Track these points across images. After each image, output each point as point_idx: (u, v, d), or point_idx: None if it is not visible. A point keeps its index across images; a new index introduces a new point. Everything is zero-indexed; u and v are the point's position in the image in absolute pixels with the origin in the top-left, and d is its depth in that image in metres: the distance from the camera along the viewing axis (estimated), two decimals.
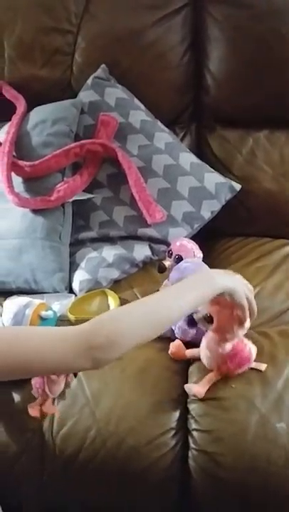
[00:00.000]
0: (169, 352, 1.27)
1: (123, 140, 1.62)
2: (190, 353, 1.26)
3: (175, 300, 0.97)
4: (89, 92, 1.66)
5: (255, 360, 1.21)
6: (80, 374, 1.23)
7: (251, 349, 1.20)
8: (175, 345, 1.27)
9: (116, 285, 1.48)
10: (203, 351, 1.20)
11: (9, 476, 1.18)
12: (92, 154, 1.58)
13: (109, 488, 1.17)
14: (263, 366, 1.22)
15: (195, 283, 1.02)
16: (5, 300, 1.39)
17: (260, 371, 1.20)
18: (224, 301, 1.06)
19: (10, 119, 1.64)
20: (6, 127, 1.63)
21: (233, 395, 1.18)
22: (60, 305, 1.39)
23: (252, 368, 1.21)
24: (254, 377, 1.20)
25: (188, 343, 1.28)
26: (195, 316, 1.12)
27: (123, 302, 1.40)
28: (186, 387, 1.20)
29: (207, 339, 1.18)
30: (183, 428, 1.18)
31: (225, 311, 1.07)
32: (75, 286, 1.48)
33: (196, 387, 1.19)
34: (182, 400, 1.20)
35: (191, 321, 1.15)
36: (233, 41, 1.65)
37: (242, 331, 1.12)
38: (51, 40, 1.68)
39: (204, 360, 1.21)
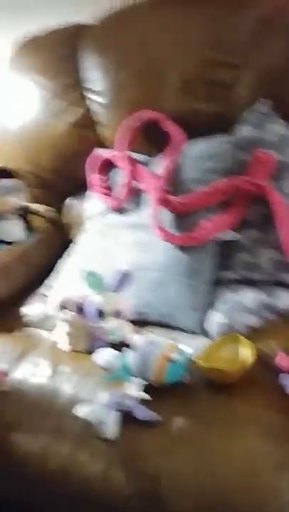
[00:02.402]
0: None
1: (280, 180, 1.54)
2: None
3: None
4: (248, 127, 1.60)
5: None
6: None
7: None
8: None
9: (253, 332, 1.40)
10: None
11: None
12: (242, 192, 1.52)
13: None
14: None
15: None
16: (140, 327, 1.39)
17: None
18: None
19: (165, 150, 1.64)
20: (162, 161, 1.63)
21: None
22: (192, 346, 1.34)
23: None
24: None
25: None
26: None
27: (258, 352, 1.32)
28: None
29: None
30: None
31: None
32: (211, 328, 1.43)
33: None
34: None
35: None
36: None
37: None
38: (215, 74, 1.65)
39: None
